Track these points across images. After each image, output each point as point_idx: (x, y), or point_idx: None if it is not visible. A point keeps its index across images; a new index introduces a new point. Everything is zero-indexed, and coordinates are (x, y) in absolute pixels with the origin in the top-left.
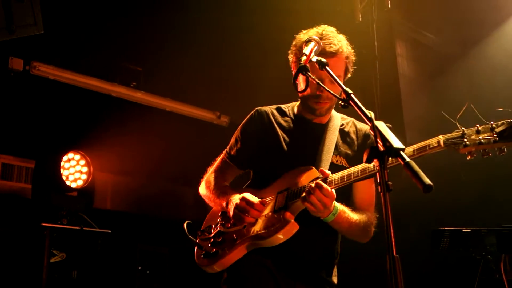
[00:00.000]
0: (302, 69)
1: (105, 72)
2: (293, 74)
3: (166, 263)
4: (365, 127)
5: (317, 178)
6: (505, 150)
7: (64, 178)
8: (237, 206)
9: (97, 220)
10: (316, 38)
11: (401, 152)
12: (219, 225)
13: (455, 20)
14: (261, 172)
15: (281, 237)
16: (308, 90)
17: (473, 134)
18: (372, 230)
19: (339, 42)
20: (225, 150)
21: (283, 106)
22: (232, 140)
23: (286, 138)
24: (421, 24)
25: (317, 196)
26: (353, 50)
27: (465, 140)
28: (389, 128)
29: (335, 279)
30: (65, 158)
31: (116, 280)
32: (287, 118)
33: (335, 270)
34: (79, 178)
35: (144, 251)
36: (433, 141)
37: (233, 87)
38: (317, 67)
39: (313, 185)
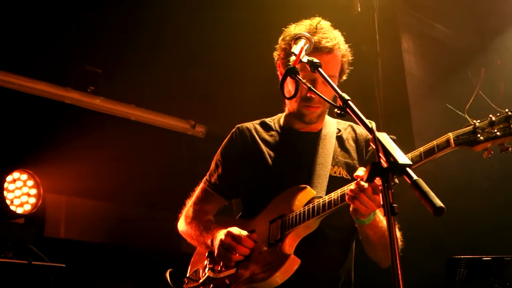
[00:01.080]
0: (291, 72)
1: (58, 75)
2: (279, 74)
3: None
4: (366, 132)
5: (314, 197)
6: None
7: (8, 202)
8: (222, 244)
9: (48, 252)
10: (307, 34)
11: (408, 169)
12: (207, 269)
13: (470, 9)
14: (249, 199)
15: (281, 276)
16: (298, 92)
17: (487, 127)
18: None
19: (335, 37)
20: (204, 178)
21: (267, 119)
22: (212, 165)
23: (273, 155)
24: (431, 14)
25: (369, 195)
26: (349, 49)
27: (479, 135)
28: (394, 140)
29: None
30: (9, 178)
31: None
32: (272, 133)
33: None
34: (27, 202)
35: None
36: (442, 140)
37: (210, 92)
38: (308, 68)
39: (365, 184)
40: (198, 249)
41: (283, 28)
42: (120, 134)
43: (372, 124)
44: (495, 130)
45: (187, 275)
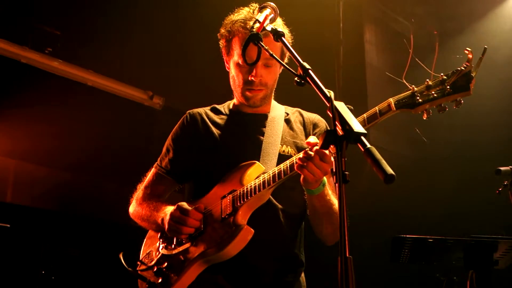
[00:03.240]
0: (254, 38)
1: (15, 33)
2: (225, 62)
3: (76, 267)
4: (313, 116)
5: (264, 172)
6: (462, 102)
7: None
8: (172, 217)
9: None
10: (273, 4)
11: (362, 137)
12: (161, 248)
13: (433, 6)
14: (200, 180)
15: (235, 247)
16: (240, 76)
17: (425, 91)
18: None
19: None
20: (155, 163)
21: (217, 105)
22: (164, 149)
23: (223, 136)
24: (396, 8)
25: (316, 163)
26: (290, 33)
27: (418, 98)
28: (350, 110)
29: None
30: None
31: (14, 286)
32: (222, 116)
33: (302, 281)
34: None
35: (49, 252)
36: (383, 106)
37: (170, 63)
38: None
39: (311, 153)
40: (150, 232)
41: (225, 17)
42: (76, 100)
43: (330, 93)
44: (433, 92)
45: (140, 259)
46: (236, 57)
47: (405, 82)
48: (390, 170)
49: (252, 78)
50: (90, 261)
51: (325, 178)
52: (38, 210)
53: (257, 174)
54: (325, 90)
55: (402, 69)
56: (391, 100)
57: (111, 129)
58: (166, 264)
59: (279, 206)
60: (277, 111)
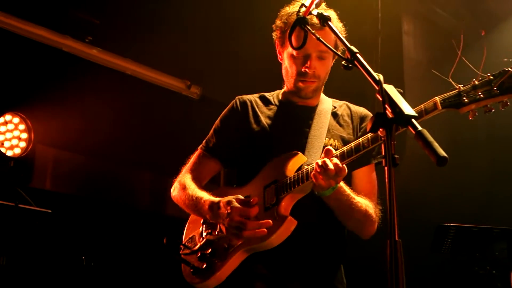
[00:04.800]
0: (301, 22)
1: (56, 22)
2: (278, 53)
3: (116, 254)
4: (360, 109)
5: (306, 164)
6: (508, 103)
7: None
8: (231, 220)
9: (34, 202)
10: None
11: (413, 120)
12: (204, 234)
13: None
14: (243, 166)
15: (278, 237)
16: (293, 67)
17: (471, 91)
18: (376, 222)
19: (329, 14)
20: (201, 145)
21: (266, 94)
22: (210, 132)
23: (272, 126)
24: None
25: (329, 174)
26: (344, 27)
27: (464, 98)
28: (400, 93)
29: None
30: (0, 120)
31: (55, 271)
32: (271, 106)
33: (342, 276)
34: (17, 146)
35: (90, 238)
36: (429, 104)
37: (209, 53)
38: (317, 21)
39: (320, 162)
40: (192, 217)
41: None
42: (115, 88)
43: (379, 77)
44: (479, 93)
45: (183, 242)
46: (290, 48)
47: (451, 81)
48: (442, 152)
49: (306, 69)
50: (129, 248)
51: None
52: (77, 197)
53: (299, 164)
54: (374, 74)
55: (439, 63)
56: (437, 99)
57: (149, 118)
58: (210, 250)
59: (320, 199)
60: (325, 104)
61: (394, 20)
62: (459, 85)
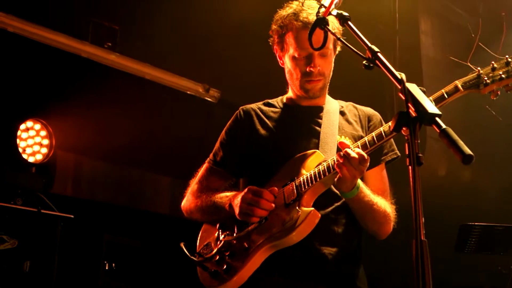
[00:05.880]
0: (321, 22)
1: (75, 28)
2: (278, 58)
3: (137, 258)
4: (366, 109)
5: (324, 161)
6: None
7: (20, 150)
8: (243, 199)
9: (56, 207)
10: None
11: (436, 118)
12: (221, 237)
13: None
14: (256, 174)
15: (303, 230)
16: (297, 69)
17: (491, 72)
18: (392, 221)
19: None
20: (208, 158)
21: (270, 100)
22: (217, 145)
23: (280, 129)
24: None
25: (353, 163)
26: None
27: (485, 78)
28: (423, 92)
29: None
30: (22, 126)
31: (77, 274)
32: (277, 110)
33: (363, 276)
34: (38, 152)
35: (111, 243)
36: (449, 88)
37: (227, 56)
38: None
39: (342, 152)
40: (205, 226)
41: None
42: (134, 93)
43: (401, 75)
44: (500, 73)
45: (197, 251)
46: (291, 50)
47: (470, 65)
48: (468, 151)
49: (311, 69)
50: (151, 253)
51: (359, 182)
52: (98, 204)
53: (317, 162)
54: (396, 73)
55: (457, 59)
56: (457, 82)
57: (167, 122)
58: (229, 252)
59: (339, 193)
60: (332, 104)
61: (411, 19)
62: (478, 68)
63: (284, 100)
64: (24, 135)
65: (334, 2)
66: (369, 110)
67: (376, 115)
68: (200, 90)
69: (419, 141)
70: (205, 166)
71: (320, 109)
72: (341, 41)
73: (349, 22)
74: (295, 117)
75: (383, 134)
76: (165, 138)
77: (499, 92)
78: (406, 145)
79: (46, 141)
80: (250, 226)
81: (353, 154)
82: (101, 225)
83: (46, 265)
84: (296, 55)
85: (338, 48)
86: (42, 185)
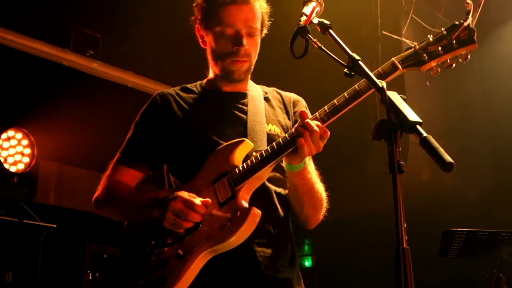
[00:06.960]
0: (302, 31)
1: (57, 36)
2: (198, 37)
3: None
4: (290, 94)
5: (254, 150)
6: (469, 56)
7: (2, 160)
8: (172, 210)
9: (38, 216)
10: None
11: (417, 127)
12: (153, 242)
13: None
14: (179, 165)
15: (246, 230)
16: (223, 47)
17: (428, 47)
18: (323, 212)
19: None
20: (120, 149)
21: (188, 85)
22: (129, 133)
23: (203, 116)
24: (433, 3)
25: (314, 136)
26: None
27: (424, 55)
28: (404, 100)
29: None
30: (3, 136)
31: (60, 285)
32: (196, 95)
33: (299, 273)
34: (20, 161)
35: (95, 253)
36: (387, 66)
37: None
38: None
39: (316, 128)
40: (127, 228)
41: None
42: (116, 101)
43: (382, 84)
44: (439, 48)
45: (126, 256)
46: (217, 28)
47: (406, 40)
48: (448, 158)
49: (238, 47)
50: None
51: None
52: (81, 213)
53: (246, 152)
54: (377, 81)
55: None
56: (394, 59)
57: None
58: (162, 260)
59: (273, 188)
60: (255, 89)
61: (393, 25)
62: (414, 43)
63: (204, 84)
64: (5, 144)
65: (315, 11)
66: (292, 95)
67: (301, 101)
68: None
69: (400, 149)
70: (117, 157)
71: (243, 95)
72: (322, 49)
73: (330, 31)
74: (218, 103)
75: (341, 105)
76: None
77: (439, 69)
78: (388, 153)
79: (27, 150)
80: (183, 236)
81: (316, 128)
82: (84, 235)
83: (29, 276)
84: (224, 32)
85: (265, 31)
86: (24, 195)
